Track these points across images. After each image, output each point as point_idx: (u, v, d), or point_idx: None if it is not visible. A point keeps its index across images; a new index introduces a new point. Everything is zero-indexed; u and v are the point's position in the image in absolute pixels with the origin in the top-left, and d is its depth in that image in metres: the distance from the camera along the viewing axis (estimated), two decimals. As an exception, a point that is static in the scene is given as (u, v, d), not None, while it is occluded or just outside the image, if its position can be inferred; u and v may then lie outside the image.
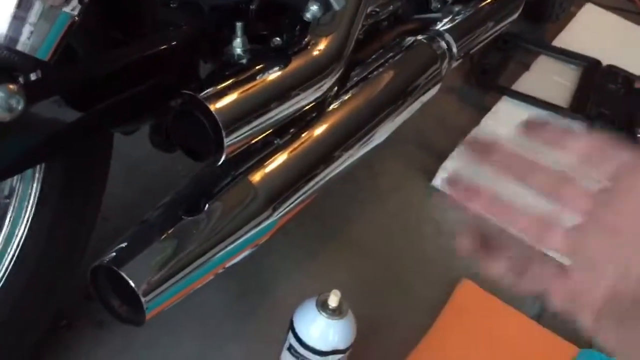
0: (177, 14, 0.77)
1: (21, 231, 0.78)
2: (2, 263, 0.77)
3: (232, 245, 0.70)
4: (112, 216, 1.17)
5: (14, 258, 0.77)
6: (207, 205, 0.69)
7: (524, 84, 1.80)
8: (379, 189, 1.45)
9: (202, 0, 0.77)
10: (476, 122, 1.67)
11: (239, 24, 0.76)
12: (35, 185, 0.78)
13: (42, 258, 0.80)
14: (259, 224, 0.72)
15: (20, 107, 0.50)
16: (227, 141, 0.65)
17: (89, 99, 0.70)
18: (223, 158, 0.66)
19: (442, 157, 1.54)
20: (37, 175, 0.77)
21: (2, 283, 0.77)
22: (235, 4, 0.79)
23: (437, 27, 1.11)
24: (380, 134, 0.90)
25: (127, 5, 0.76)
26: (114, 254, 0.63)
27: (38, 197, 0.78)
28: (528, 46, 1.96)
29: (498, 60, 1.84)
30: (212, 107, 0.64)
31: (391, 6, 1.04)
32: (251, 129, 0.68)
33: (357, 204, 1.41)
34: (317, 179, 0.80)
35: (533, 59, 1.96)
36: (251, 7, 0.80)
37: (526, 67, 1.92)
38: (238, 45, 0.76)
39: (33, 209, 0.78)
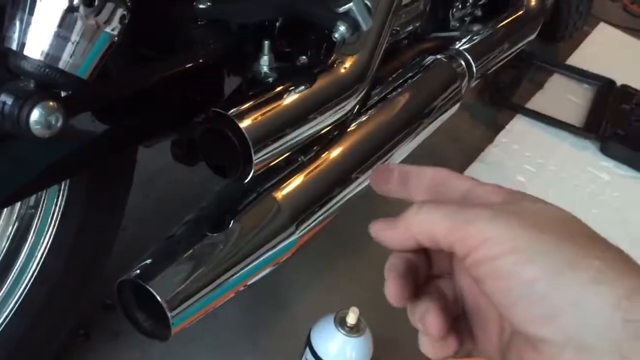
0: (205, 31, 0.79)
1: (45, 241, 0.79)
2: (27, 272, 0.78)
3: (255, 263, 0.70)
4: (129, 226, 1.18)
5: (38, 268, 0.78)
6: (231, 223, 0.70)
7: (537, 103, 1.81)
8: (394, 204, 1.45)
9: (230, 19, 0.79)
10: (489, 139, 1.68)
11: (266, 42, 0.77)
12: (60, 196, 0.79)
13: (65, 269, 0.80)
14: (282, 241, 0.73)
15: (59, 124, 0.51)
16: (255, 159, 0.66)
17: (118, 114, 0.71)
18: (251, 175, 0.67)
19: (455, 174, 1.54)
20: (62, 187, 0.78)
21: (26, 292, 0.78)
22: (262, 22, 0.80)
23: (457, 46, 1.12)
24: (401, 152, 0.90)
25: (158, 23, 0.77)
26: (141, 268, 0.64)
27: (63, 209, 0.79)
28: (542, 64, 1.97)
29: (512, 78, 1.85)
30: (242, 125, 0.65)
31: (411, 25, 1.05)
32: (279, 147, 0.69)
33: (372, 218, 1.41)
34: (339, 197, 0.80)
35: (547, 78, 1.97)
36: (278, 25, 0.81)
37: (540, 85, 1.93)
38: (265, 63, 0.77)
39: (58, 221, 0.79)
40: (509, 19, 1.25)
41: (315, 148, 0.81)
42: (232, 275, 0.69)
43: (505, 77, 1.82)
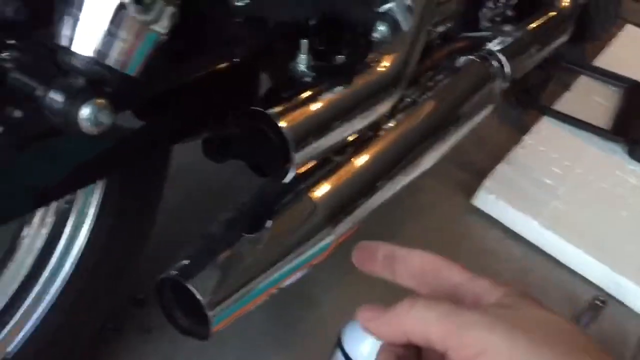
0: (242, 28, 0.78)
1: (82, 236, 0.79)
2: (63, 267, 0.78)
3: (291, 264, 0.70)
4: (157, 221, 1.19)
5: (74, 263, 0.79)
6: (268, 223, 0.69)
7: (564, 104, 1.78)
8: (418, 205, 1.44)
9: (267, 16, 0.78)
10: (515, 140, 1.66)
11: (304, 41, 0.77)
12: (96, 192, 0.79)
13: (100, 263, 0.81)
14: (318, 242, 0.72)
15: (107, 122, 0.51)
16: (295, 159, 0.65)
17: (156, 112, 0.71)
18: (290, 176, 0.67)
19: (481, 175, 1.53)
20: (98, 182, 0.78)
21: (62, 286, 0.78)
22: (299, 20, 0.79)
23: (489, 47, 1.11)
24: (435, 154, 0.89)
25: (194, 20, 0.77)
26: (180, 267, 0.64)
27: (99, 205, 0.79)
28: (569, 66, 1.94)
29: (539, 79, 1.83)
30: (281, 125, 0.65)
31: (445, 25, 1.04)
32: (318, 147, 0.69)
33: (396, 220, 1.40)
34: (375, 198, 0.79)
35: (573, 79, 1.94)
36: (315, 23, 0.80)
37: (566, 86, 1.91)
38: (302, 62, 0.77)
39: (94, 216, 0.79)
40: (542, 20, 1.23)
41: (350, 149, 0.80)
42: (269, 276, 0.68)
43: (532, 78, 1.80)
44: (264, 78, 0.88)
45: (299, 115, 0.67)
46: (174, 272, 0.63)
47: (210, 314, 0.62)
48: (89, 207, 0.79)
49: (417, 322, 0.32)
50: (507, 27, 1.23)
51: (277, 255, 0.69)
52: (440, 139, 0.89)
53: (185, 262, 0.64)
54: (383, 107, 0.77)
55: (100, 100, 0.50)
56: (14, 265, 0.77)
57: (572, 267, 1.34)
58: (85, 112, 0.49)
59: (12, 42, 0.54)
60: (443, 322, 0.31)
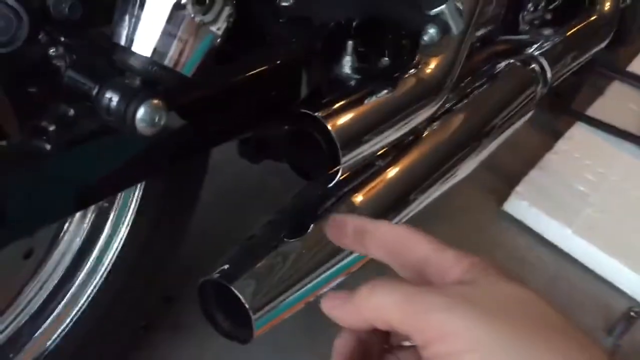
0: (287, 29, 0.77)
1: (120, 234, 0.79)
2: (102, 264, 0.78)
3: (332, 269, 0.69)
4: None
5: (114, 260, 0.79)
6: (311, 227, 0.68)
7: (597, 110, 1.75)
8: (449, 211, 1.43)
9: (313, 17, 0.77)
10: (547, 146, 1.64)
11: (349, 42, 0.76)
12: (136, 190, 0.79)
13: (138, 261, 0.81)
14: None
15: (162, 122, 0.51)
16: (342, 162, 0.64)
17: (199, 113, 0.71)
18: (337, 179, 0.66)
19: (512, 180, 1.51)
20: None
21: (100, 283, 0.79)
22: (345, 21, 0.78)
23: (530, 51, 1.08)
24: (477, 159, 0.88)
25: (240, 20, 0.76)
26: (224, 270, 0.63)
27: (139, 202, 0.79)
28: (602, 70, 1.91)
29: (572, 84, 1.80)
30: (330, 128, 0.64)
31: (487, 28, 1.03)
32: (364, 151, 0.68)
33: (426, 224, 1.38)
34: (415, 203, 0.78)
35: (607, 84, 1.91)
36: (360, 25, 0.79)
37: (599, 91, 1.87)
38: (347, 64, 0.76)
39: (134, 213, 0.79)
40: (583, 24, 1.21)
41: (391, 153, 0.79)
42: (310, 282, 0.68)
43: (565, 83, 1.77)
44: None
45: (346, 118, 0.66)
46: (217, 275, 0.62)
47: (253, 317, 0.61)
48: (129, 204, 0.79)
49: (377, 308, 0.32)
50: (547, 31, 1.20)
51: (319, 261, 0.68)
52: (481, 143, 0.88)
53: (228, 265, 0.64)
54: (429, 111, 0.76)
55: (157, 101, 0.50)
56: (53, 261, 0.77)
57: (606, 276, 1.32)
58: (142, 112, 0.49)
59: (68, 40, 0.54)
60: (401, 308, 0.31)
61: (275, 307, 0.64)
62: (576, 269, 1.35)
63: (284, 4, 0.76)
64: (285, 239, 0.67)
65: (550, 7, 1.26)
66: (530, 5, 1.21)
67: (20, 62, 0.56)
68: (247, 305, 0.61)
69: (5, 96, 0.62)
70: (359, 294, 0.32)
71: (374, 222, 0.38)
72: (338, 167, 0.65)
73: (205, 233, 1.13)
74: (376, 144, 0.69)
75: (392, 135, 0.71)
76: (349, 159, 0.66)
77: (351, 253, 0.71)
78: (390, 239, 0.36)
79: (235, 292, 0.61)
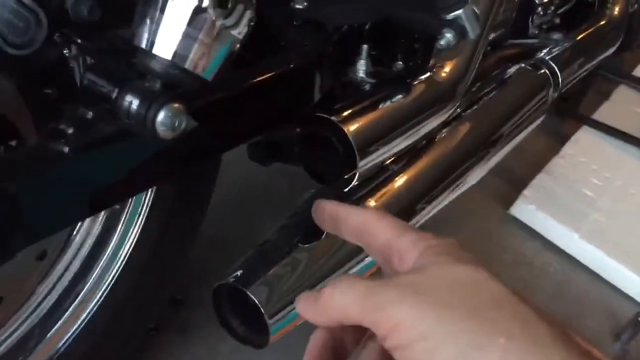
0: (300, 32, 0.77)
1: (132, 236, 0.79)
2: (113, 265, 0.78)
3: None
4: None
5: (124, 262, 0.78)
6: (324, 232, 0.68)
7: (603, 114, 1.75)
8: (455, 214, 1.42)
9: (328, 20, 0.77)
10: (553, 150, 1.64)
11: (364, 46, 0.75)
12: (148, 193, 0.78)
13: (148, 263, 0.80)
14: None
15: (182, 127, 0.50)
16: (360, 166, 0.64)
17: (213, 116, 0.70)
18: (354, 183, 0.65)
19: (518, 184, 1.50)
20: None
21: (111, 285, 0.78)
22: (360, 25, 0.78)
23: (541, 55, 1.08)
24: (490, 163, 0.88)
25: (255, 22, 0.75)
26: (239, 274, 0.63)
27: (150, 205, 0.79)
28: (608, 75, 1.91)
29: (578, 88, 1.80)
30: (348, 132, 0.63)
31: (498, 32, 1.02)
32: (380, 155, 0.67)
33: (433, 227, 1.38)
34: (430, 207, 0.78)
35: (612, 88, 1.91)
36: (374, 29, 0.79)
37: (606, 96, 1.87)
38: (362, 67, 0.75)
39: (145, 216, 0.78)
40: (592, 29, 1.21)
41: (404, 157, 0.79)
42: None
43: (571, 87, 1.77)
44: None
45: (363, 122, 0.66)
46: (232, 280, 0.62)
47: (270, 322, 0.61)
48: (140, 207, 0.78)
49: (338, 307, 0.33)
50: (556, 35, 1.20)
51: (333, 266, 0.67)
52: (495, 149, 0.87)
53: (243, 270, 0.63)
54: (444, 116, 0.75)
55: (177, 105, 0.49)
56: (64, 263, 0.77)
57: (613, 282, 1.31)
58: (162, 116, 0.48)
59: (85, 42, 0.53)
60: (360, 304, 0.32)
61: (290, 313, 0.64)
62: (583, 273, 1.35)
63: (298, 6, 0.76)
64: (299, 245, 0.67)
65: (560, 11, 1.26)
66: (539, 9, 1.20)
67: (38, 63, 0.56)
68: (263, 310, 0.61)
69: (21, 97, 0.62)
70: (322, 294, 0.34)
71: (346, 208, 0.40)
72: (355, 172, 0.65)
73: (212, 235, 1.12)
74: (392, 149, 0.69)
75: (407, 139, 0.71)
76: (366, 163, 0.66)
77: (366, 257, 0.71)
78: (358, 224, 0.38)
79: (252, 296, 0.61)
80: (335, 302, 0.33)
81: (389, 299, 0.31)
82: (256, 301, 0.60)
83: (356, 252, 0.70)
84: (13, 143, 0.64)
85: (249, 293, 0.61)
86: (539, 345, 0.28)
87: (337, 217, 0.40)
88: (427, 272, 0.33)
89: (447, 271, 0.33)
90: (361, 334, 0.37)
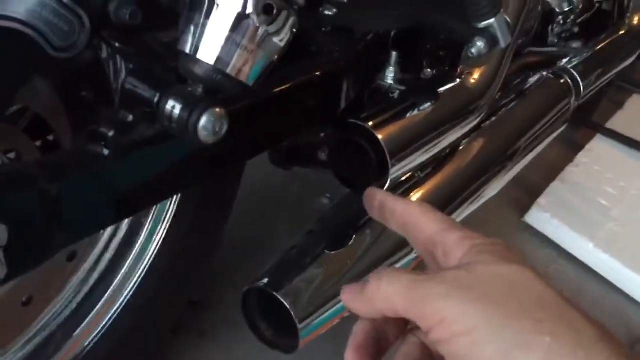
0: (329, 39, 0.77)
1: (157, 239, 0.79)
2: (138, 269, 0.78)
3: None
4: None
5: (149, 264, 0.78)
6: (353, 238, 0.68)
7: (618, 123, 1.75)
8: (469, 221, 1.41)
9: (357, 27, 0.77)
10: (568, 158, 1.64)
11: (393, 53, 0.76)
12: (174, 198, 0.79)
13: (173, 266, 0.80)
14: (402, 258, 0.71)
15: (223, 131, 0.51)
16: (391, 173, 0.64)
17: (249, 122, 0.71)
18: (385, 189, 0.66)
19: (532, 192, 1.50)
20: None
21: (135, 288, 0.78)
22: (389, 31, 0.78)
23: (562, 63, 1.08)
24: (514, 171, 0.88)
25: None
26: (269, 278, 0.63)
27: (176, 208, 0.79)
28: (622, 84, 1.91)
29: (592, 97, 1.79)
30: (381, 138, 0.63)
31: (521, 40, 1.03)
32: (412, 162, 0.67)
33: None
34: (455, 214, 0.78)
35: (626, 98, 1.91)
36: (402, 35, 0.79)
37: (620, 105, 1.87)
38: (391, 74, 0.76)
39: (170, 219, 0.79)
40: (613, 37, 1.21)
41: (431, 164, 0.79)
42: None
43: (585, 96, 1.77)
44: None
45: (395, 129, 0.66)
46: (262, 284, 0.62)
47: (300, 327, 0.61)
48: (165, 210, 0.79)
49: (384, 300, 0.34)
50: (576, 44, 1.20)
51: (361, 271, 0.68)
52: (519, 156, 0.88)
53: (272, 274, 0.63)
54: (472, 123, 0.76)
55: (219, 110, 0.50)
56: (89, 264, 0.77)
57: (628, 291, 1.31)
58: (204, 121, 0.49)
59: (126, 46, 0.54)
60: (405, 297, 0.33)
61: (319, 317, 0.64)
62: (598, 282, 1.35)
63: (327, 13, 0.76)
64: (328, 248, 0.67)
65: (579, 20, 1.26)
66: (560, 17, 1.21)
67: (78, 66, 0.56)
68: (293, 314, 0.61)
69: (58, 99, 0.63)
70: (368, 287, 0.35)
71: (395, 199, 0.41)
72: (386, 178, 0.65)
73: (228, 238, 1.13)
74: (422, 155, 0.69)
75: (436, 147, 0.71)
76: (398, 169, 0.66)
77: (394, 263, 0.71)
78: (405, 215, 0.39)
79: (283, 300, 0.61)
80: (381, 294, 0.34)
81: (435, 293, 0.32)
82: (287, 305, 0.60)
83: (384, 257, 0.70)
84: (50, 137, 0.64)
85: (280, 297, 0.61)
86: (584, 346, 0.29)
87: (386, 206, 0.41)
88: (474, 270, 0.33)
89: (494, 269, 0.33)
90: (403, 327, 0.38)
